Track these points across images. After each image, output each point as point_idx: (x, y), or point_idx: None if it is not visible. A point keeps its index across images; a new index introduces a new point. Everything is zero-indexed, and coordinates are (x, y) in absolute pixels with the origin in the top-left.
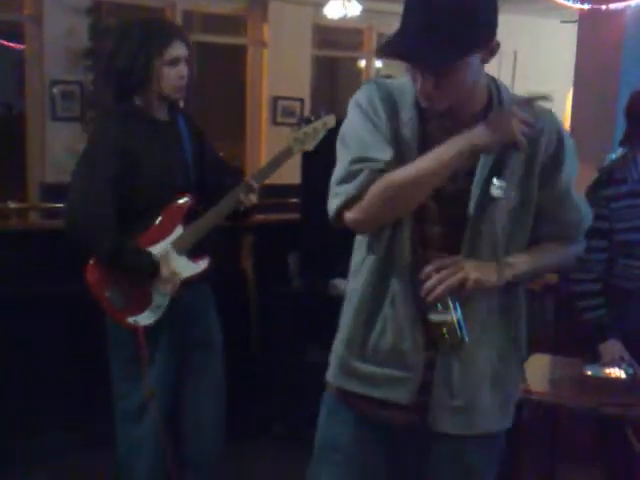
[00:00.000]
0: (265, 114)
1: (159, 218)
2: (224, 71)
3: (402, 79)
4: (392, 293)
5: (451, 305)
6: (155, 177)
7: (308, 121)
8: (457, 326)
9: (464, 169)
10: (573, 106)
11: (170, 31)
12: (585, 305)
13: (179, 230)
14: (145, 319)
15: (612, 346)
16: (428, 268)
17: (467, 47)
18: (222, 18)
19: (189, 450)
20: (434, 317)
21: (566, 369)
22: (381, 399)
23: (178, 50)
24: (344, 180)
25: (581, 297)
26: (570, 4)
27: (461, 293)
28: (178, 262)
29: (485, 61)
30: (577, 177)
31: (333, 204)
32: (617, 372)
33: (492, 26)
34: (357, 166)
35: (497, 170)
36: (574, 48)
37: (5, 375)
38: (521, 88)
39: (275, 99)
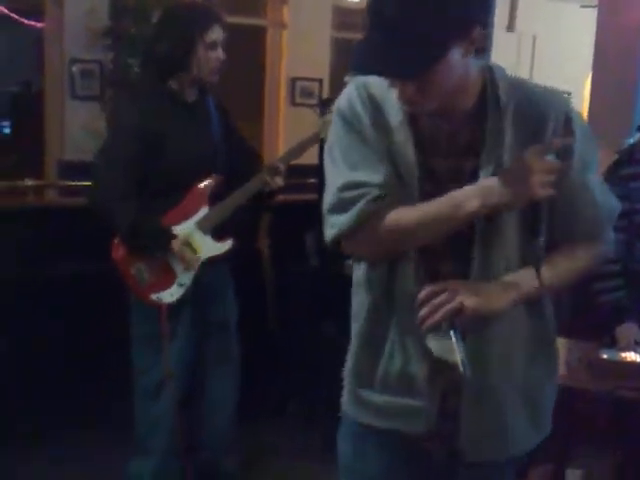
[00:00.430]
0: (283, 95)
1: (185, 198)
2: (243, 52)
3: None
4: (398, 317)
5: (452, 335)
6: (182, 158)
7: (329, 102)
8: (458, 359)
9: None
10: (592, 91)
11: (211, 15)
12: (603, 287)
13: (204, 210)
14: (168, 296)
15: (629, 329)
16: (421, 294)
17: (438, 49)
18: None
19: (204, 430)
20: (433, 348)
21: (582, 353)
22: (398, 430)
23: (217, 34)
24: (337, 209)
25: (599, 278)
26: None
27: (461, 322)
28: (202, 241)
29: (467, 54)
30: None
31: (328, 234)
32: (633, 356)
33: (467, 17)
34: (349, 194)
35: None
36: (593, 33)
37: (19, 351)
38: (540, 72)
39: (294, 80)
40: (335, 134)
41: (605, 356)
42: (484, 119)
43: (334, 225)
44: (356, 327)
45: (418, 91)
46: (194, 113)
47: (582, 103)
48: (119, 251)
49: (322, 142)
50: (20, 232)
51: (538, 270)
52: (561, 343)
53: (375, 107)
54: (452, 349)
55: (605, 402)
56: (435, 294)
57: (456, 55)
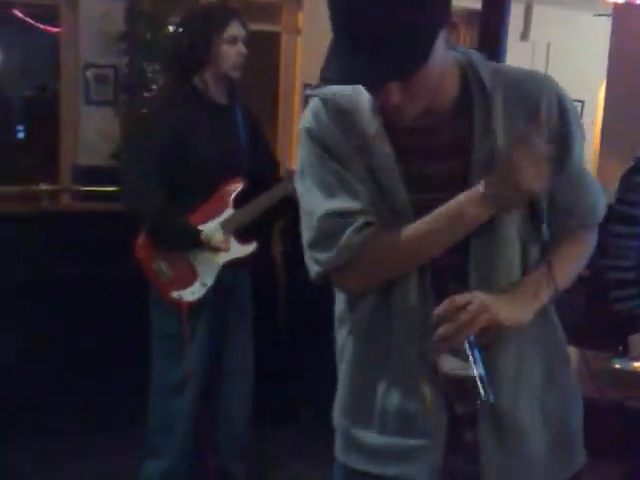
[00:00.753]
0: (298, 100)
1: (210, 198)
2: (257, 58)
3: None
4: (393, 342)
5: (470, 355)
6: (208, 159)
7: None
8: (479, 382)
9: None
10: (606, 99)
11: (228, 12)
12: (618, 295)
13: (229, 211)
14: (189, 295)
15: None
16: (441, 308)
17: (429, 38)
18: (257, 5)
19: (218, 434)
20: (449, 372)
21: (594, 362)
22: (396, 477)
23: (236, 29)
24: (318, 244)
25: (614, 286)
26: None
27: (485, 339)
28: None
29: (449, 41)
30: (611, 169)
31: (312, 269)
32: None
33: None
34: (330, 226)
35: None
36: (607, 41)
37: (30, 353)
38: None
39: (308, 86)
40: (304, 157)
41: (617, 366)
42: (470, 110)
43: (318, 261)
44: (344, 362)
45: (404, 94)
46: (221, 114)
47: (596, 111)
48: (143, 247)
49: None
50: (34, 236)
51: (551, 271)
52: (573, 352)
53: (346, 121)
54: (469, 369)
55: (614, 412)
56: (459, 309)
57: (440, 43)
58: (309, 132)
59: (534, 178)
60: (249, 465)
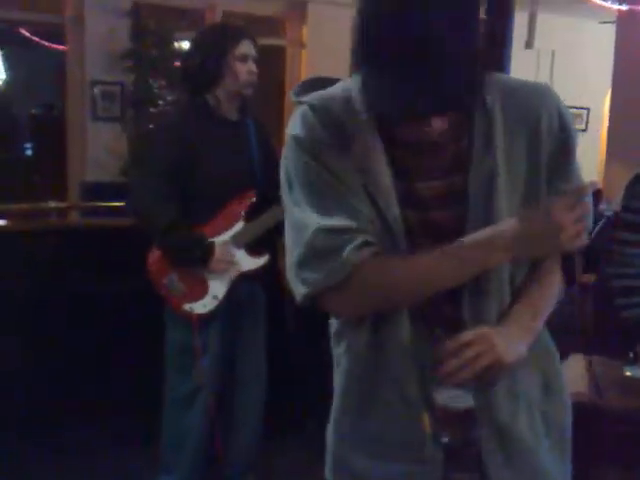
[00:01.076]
0: None
1: (222, 212)
2: (263, 71)
3: (338, 86)
4: (390, 368)
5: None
6: (218, 173)
7: None
8: (472, 405)
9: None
10: (611, 107)
11: (239, 31)
12: (625, 302)
13: (240, 225)
14: (201, 307)
15: None
16: (451, 346)
17: (478, 57)
18: (261, 19)
19: (230, 445)
20: (450, 405)
21: (605, 370)
22: None
23: (247, 48)
24: (309, 263)
25: (621, 293)
26: (609, 4)
27: (488, 376)
28: (237, 255)
29: None
30: (616, 177)
31: (300, 292)
32: None
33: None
34: (325, 243)
35: None
36: (612, 49)
37: (42, 367)
38: (559, 89)
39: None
40: (293, 169)
41: (628, 373)
42: (470, 124)
43: (306, 282)
44: (339, 383)
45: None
46: (233, 130)
47: (602, 119)
48: (155, 262)
49: None
50: (44, 252)
51: (536, 302)
52: (582, 361)
53: (341, 132)
54: (461, 395)
55: (629, 421)
56: (464, 346)
57: None
58: (299, 141)
59: (575, 237)
60: (258, 477)
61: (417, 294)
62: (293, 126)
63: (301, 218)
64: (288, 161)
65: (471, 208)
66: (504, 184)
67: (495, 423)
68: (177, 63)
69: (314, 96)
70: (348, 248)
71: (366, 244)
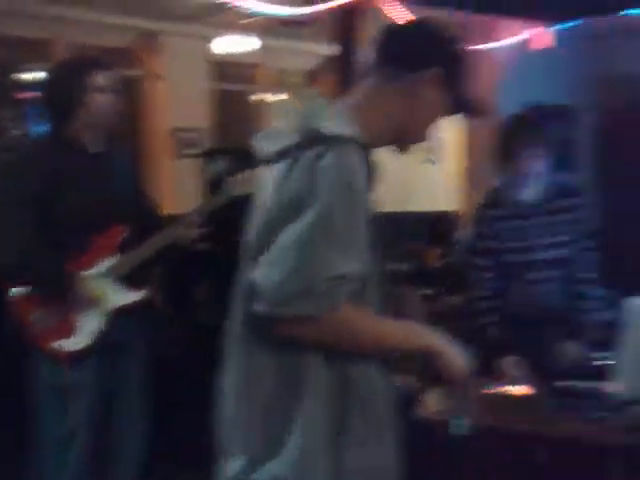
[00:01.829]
0: (162, 146)
1: (93, 246)
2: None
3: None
4: (356, 401)
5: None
6: (79, 205)
7: (213, 153)
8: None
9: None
10: (467, 137)
11: (94, 62)
12: (488, 321)
13: (114, 258)
14: (72, 345)
15: (511, 362)
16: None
17: None
18: (117, 51)
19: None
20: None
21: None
22: None
23: (104, 79)
24: (306, 293)
25: (484, 314)
26: None
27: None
28: (111, 289)
29: None
30: (470, 203)
31: (277, 311)
32: (519, 389)
33: None
34: (328, 284)
35: None
36: None
37: None
38: None
39: (174, 131)
40: (333, 205)
41: (490, 391)
42: None
43: (292, 304)
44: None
45: None
46: (94, 162)
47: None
48: (17, 302)
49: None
50: None
51: None
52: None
53: (370, 174)
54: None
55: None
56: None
57: None
58: (345, 184)
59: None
60: None
61: (372, 351)
62: (340, 167)
63: (326, 252)
64: (330, 200)
65: None
66: None
67: None
68: (20, 95)
69: (349, 132)
70: (343, 289)
71: (355, 289)
